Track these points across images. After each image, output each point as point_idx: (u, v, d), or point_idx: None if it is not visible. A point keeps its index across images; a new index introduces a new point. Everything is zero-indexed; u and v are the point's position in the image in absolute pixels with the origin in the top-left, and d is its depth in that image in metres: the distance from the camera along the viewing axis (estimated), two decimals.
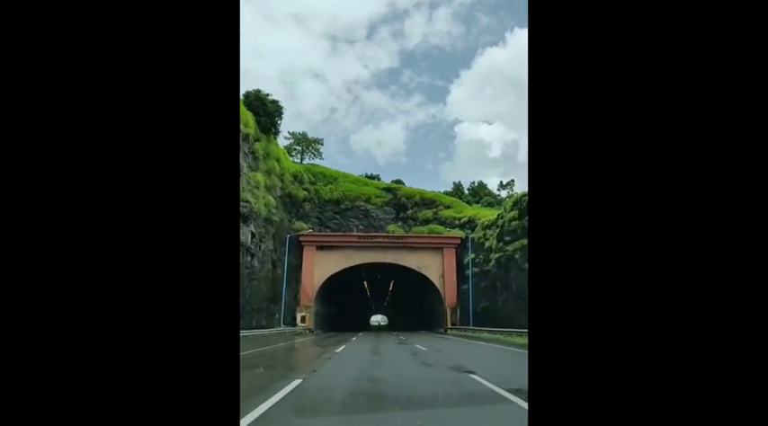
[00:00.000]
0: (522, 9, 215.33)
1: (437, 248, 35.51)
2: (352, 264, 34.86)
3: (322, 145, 54.72)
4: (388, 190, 41.78)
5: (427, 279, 35.23)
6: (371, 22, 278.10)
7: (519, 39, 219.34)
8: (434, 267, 35.15)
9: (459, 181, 65.00)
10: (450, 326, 32.54)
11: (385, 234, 36.90)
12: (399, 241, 35.62)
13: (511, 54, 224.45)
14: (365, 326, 60.78)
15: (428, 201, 40.59)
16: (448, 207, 40.04)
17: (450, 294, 34.10)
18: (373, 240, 35.43)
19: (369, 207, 39.82)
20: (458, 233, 36.01)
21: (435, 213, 39.24)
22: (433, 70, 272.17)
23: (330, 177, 41.18)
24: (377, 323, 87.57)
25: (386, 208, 40.34)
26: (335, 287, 38.65)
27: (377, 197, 40.53)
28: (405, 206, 40.32)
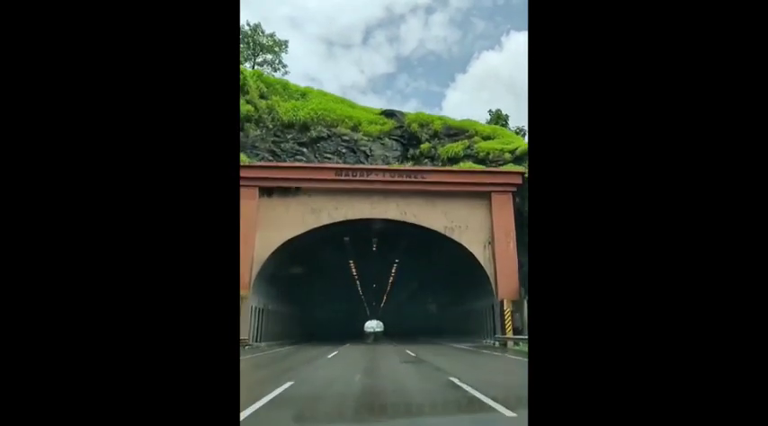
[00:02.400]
0: (517, 12, 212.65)
1: (480, 193, 19.61)
2: (325, 222, 18.99)
3: (286, 52, 36.17)
4: (389, 114, 25.93)
5: (461, 248, 19.38)
6: (368, 26, 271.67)
7: (515, 43, 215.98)
8: (475, 227, 19.31)
9: (499, 109, 40.40)
10: (510, 336, 16.87)
11: (386, 167, 20.99)
12: (412, 180, 19.57)
13: (507, 57, 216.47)
14: (355, 334, 43.87)
15: (455, 131, 24.70)
16: (487, 138, 24.23)
17: (506, 276, 18.29)
18: (365, 179, 19.46)
19: (358, 137, 23.99)
20: (515, 168, 20.32)
21: (468, 146, 23.42)
22: (429, 75, 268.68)
23: (296, 92, 25.45)
24: (372, 330, 70.21)
25: (386, 140, 24.48)
26: (296, 263, 22.56)
27: (371, 123, 24.66)
28: (416, 137, 24.44)
